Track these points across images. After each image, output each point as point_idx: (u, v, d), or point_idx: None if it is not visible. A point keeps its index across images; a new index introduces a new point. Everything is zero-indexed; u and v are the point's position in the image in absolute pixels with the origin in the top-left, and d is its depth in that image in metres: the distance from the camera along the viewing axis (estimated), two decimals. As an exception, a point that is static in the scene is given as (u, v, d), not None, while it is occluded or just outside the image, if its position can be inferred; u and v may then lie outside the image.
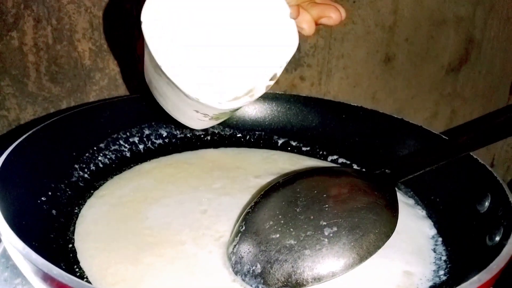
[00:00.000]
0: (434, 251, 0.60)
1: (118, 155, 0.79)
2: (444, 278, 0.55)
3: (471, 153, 0.62)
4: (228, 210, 0.64)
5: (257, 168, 0.78)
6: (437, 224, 0.65)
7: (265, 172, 0.77)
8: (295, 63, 1.05)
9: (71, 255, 0.57)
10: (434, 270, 0.56)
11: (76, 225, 0.62)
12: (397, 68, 1.12)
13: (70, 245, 0.59)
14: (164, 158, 0.81)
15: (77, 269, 0.55)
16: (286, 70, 1.04)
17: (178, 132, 0.87)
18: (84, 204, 0.67)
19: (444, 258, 0.58)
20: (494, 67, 1.18)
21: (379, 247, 0.50)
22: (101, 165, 0.76)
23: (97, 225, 0.62)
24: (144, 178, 0.74)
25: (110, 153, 0.78)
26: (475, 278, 0.41)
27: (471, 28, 1.13)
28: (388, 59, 1.10)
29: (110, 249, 0.57)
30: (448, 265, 0.57)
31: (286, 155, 0.86)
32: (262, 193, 0.59)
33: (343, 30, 1.04)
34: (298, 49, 1.02)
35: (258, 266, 0.51)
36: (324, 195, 0.55)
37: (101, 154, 0.77)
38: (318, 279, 0.48)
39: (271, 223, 0.54)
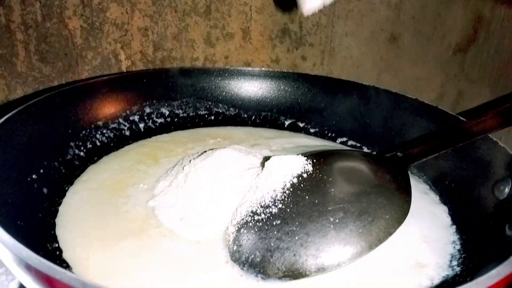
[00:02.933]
0: (448, 240, 0.56)
1: (117, 133, 0.76)
2: (458, 269, 0.51)
3: (489, 135, 0.58)
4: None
5: (237, 140, 0.77)
6: (452, 211, 0.62)
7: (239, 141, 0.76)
8: (296, 42, 1.01)
9: (55, 244, 0.53)
10: (447, 260, 0.53)
11: (58, 214, 0.58)
12: (402, 48, 1.08)
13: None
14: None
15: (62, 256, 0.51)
16: (287, 49, 1.02)
17: (180, 111, 0.84)
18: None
19: (458, 247, 0.55)
20: (503, 47, 1.14)
21: (390, 234, 0.47)
22: (98, 144, 0.73)
23: (79, 212, 0.58)
24: (122, 160, 0.71)
25: (109, 131, 0.75)
26: (494, 271, 0.37)
27: (481, 6, 1.08)
28: (394, 38, 1.06)
29: (92, 237, 0.53)
30: (463, 255, 0.53)
31: (274, 132, 0.84)
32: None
33: (347, 7, 1.00)
34: (300, 26, 1.00)
35: (257, 254, 0.47)
36: (330, 179, 0.52)
37: (99, 132, 0.74)
38: (322, 269, 0.45)
39: (272, 208, 0.50)
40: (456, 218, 0.60)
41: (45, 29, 0.87)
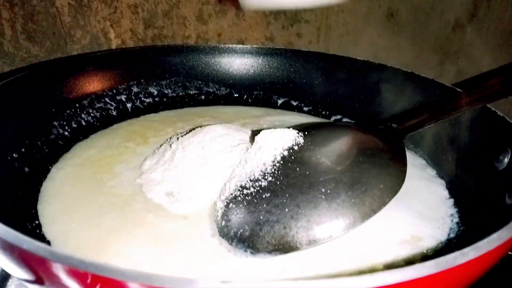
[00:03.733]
0: (446, 213, 0.54)
1: (103, 113, 0.74)
2: (456, 241, 0.49)
3: (488, 105, 0.56)
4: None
5: (225, 118, 0.76)
6: (449, 185, 0.60)
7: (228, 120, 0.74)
8: (291, 19, 0.99)
9: (36, 222, 0.51)
10: (445, 233, 0.51)
11: (41, 189, 0.57)
12: (400, 24, 1.05)
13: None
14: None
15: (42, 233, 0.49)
16: (282, 26, 1.00)
17: (169, 90, 0.82)
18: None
19: (456, 220, 0.53)
20: (504, 23, 1.11)
21: (384, 204, 0.44)
22: (83, 123, 0.70)
23: (62, 187, 0.57)
24: (110, 138, 0.70)
25: (94, 111, 0.73)
26: (494, 235, 0.34)
27: (480, -20, 1.07)
28: (391, 14, 1.04)
29: (72, 211, 0.52)
30: (461, 228, 0.52)
31: (266, 110, 0.82)
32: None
33: (343, -18, 0.98)
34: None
35: (246, 228, 0.44)
36: (322, 150, 0.50)
37: (84, 112, 0.71)
38: (313, 242, 0.42)
39: (261, 181, 0.48)
40: (454, 191, 0.58)
41: (32, 7, 0.84)
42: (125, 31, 0.91)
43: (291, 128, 0.54)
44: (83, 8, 0.87)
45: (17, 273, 0.36)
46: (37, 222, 0.50)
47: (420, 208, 0.55)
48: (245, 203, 0.46)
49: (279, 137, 0.52)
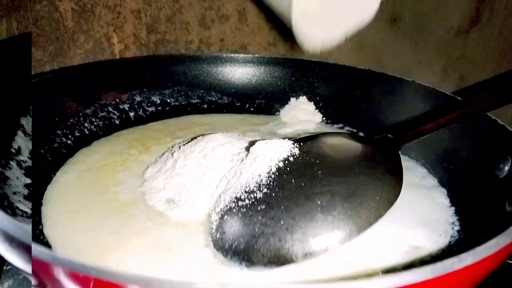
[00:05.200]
0: (447, 221, 0.55)
1: (106, 122, 0.74)
2: (456, 249, 0.49)
3: (488, 114, 0.56)
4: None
5: (225, 127, 0.76)
6: (451, 193, 0.60)
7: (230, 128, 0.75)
8: (293, 24, 0.99)
9: (40, 226, 0.52)
10: (446, 241, 0.51)
11: (46, 192, 0.58)
12: (403, 30, 1.05)
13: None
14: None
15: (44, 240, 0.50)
16: (285, 31, 1.00)
17: (172, 99, 0.82)
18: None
19: (457, 228, 0.53)
20: (507, 29, 1.10)
21: (380, 216, 0.44)
22: (86, 132, 0.71)
23: (66, 190, 0.58)
24: (113, 144, 0.71)
25: (98, 120, 0.73)
26: (492, 242, 0.34)
27: (483, -15, 1.06)
28: (394, 19, 1.03)
29: (75, 215, 0.53)
30: (462, 236, 0.52)
31: (268, 118, 0.82)
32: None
33: (345, -13, 0.98)
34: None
35: (241, 241, 0.44)
36: (318, 161, 0.49)
37: (88, 121, 0.72)
38: (309, 254, 0.42)
39: (256, 193, 0.48)
40: (455, 199, 0.58)
41: (35, 12, 0.84)
42: (128, 36, 0.91)
43: (287, 139, 0.54)
44: (86, 13, 0.87)
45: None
46: (40, 227, 0.51)
47: (421, 216, 0.55)
48: (240, 215, 0.46)
49: (275, 148, 0.52)
